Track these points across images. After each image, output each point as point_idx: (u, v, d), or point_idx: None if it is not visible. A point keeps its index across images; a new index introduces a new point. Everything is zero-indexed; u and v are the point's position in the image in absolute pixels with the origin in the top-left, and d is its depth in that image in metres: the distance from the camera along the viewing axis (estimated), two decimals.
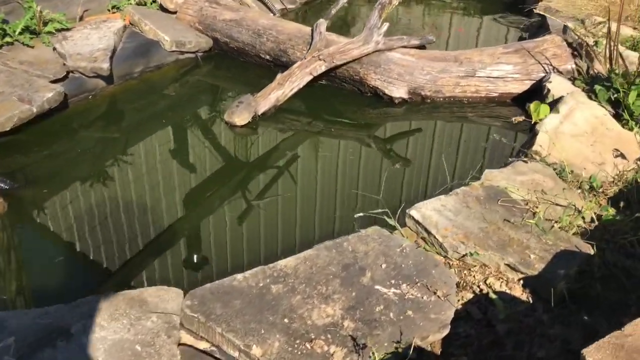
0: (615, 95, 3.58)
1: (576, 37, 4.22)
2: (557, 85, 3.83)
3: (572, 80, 3.97)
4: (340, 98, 4.29)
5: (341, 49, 4.07)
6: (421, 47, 4.59)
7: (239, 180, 3.38)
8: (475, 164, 3.39)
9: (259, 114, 3.83)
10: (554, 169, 2.94)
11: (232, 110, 3.76)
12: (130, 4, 4.84)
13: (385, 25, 4.15)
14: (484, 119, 4.11)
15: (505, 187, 2.71)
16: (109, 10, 4.82)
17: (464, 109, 4.18)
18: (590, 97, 3.67)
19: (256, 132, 3.80)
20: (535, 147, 3.07)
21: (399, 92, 4.14)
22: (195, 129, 3.90)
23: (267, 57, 4.56)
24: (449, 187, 2.79)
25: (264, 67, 4.61)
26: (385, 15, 4.24)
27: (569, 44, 4.25)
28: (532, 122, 3.04)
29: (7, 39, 3.97)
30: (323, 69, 4.08)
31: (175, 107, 4.18)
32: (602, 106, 3.51)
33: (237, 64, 4.77)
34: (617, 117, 3.48)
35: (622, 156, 3.15)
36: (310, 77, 4.05)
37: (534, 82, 4.17)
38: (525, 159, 3.00)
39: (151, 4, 5.00)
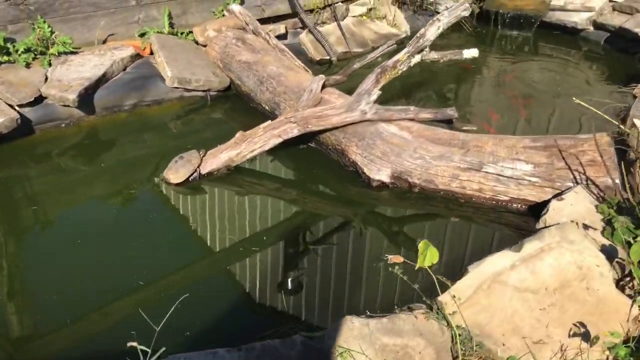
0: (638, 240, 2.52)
1: (633, 143, 3.12)
2: (567, 207, 2.84)
3: (599, 201, 2.91)
4: (324, 166, 3.67)
5: (318, 114, 3.47)
6: (447, 121, 3.79)
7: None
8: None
9: (203, 173, 3.38)
10: (454, 335, 2.08)
11: (170, 165, 3.36)
12: (160, 32, 4.69)
13: (376, 94, 3.45)
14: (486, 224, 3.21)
15: (344, 351, 1.95)
16: (140, 37, 4.72)
17: (464, 209, 3.31)
18: (604, 234, 2.64)
19: (192, 194, 3.35)
20: (442, 297, 2.21)
21: (379, 174, 3.41)
22: (141, 181, 3.54)
23: (266, 107, 4.11)
24: None
25: (267, 117, 4.14)
26: (386, 80, 3.54)
27: (623, 150, 3.16)
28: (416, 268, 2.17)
29: (8, 57, 4.01)
30: (295, 132, 3.51)
31: (149, 148, 3.87)
32: (608, 252, 2.48)
33: (248, 109, 4.38)
34: (623, 272, 2.44)
35: (585, 336, 2.15)
36: (279, 140, 3.50)
37: (557, 192, 3.16)
38: (416, 311, 2.17)
39: (186, 35, 4.81)
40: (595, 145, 3.18)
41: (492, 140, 3.38)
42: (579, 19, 6.30)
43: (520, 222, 3.23)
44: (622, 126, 3.17)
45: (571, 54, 5.90)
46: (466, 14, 3.60)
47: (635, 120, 3.33)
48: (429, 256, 1.98)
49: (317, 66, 5.39)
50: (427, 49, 3.61)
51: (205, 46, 4.75)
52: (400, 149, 3.41)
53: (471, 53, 3.68)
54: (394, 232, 3.16)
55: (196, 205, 3.24)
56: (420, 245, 2.01)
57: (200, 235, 3.03)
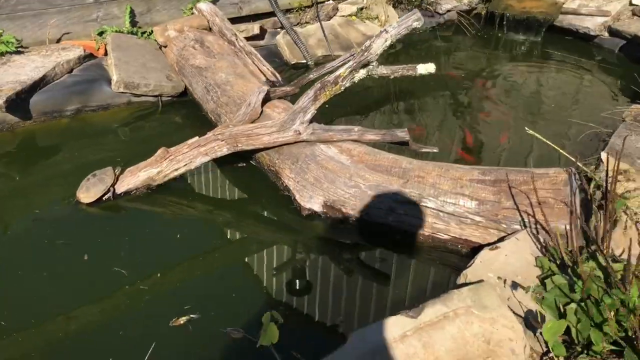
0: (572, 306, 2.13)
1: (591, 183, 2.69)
2: (500, 258, 2.44)
3: (543, 252, 2.51)
4: (262, 188, 3.34)
5: (247, 132, 3.14)
6: (403, 143, 3.41)
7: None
8: None
9: (119, 192, 3.11)
10: None
11: (81, 184, 3.10)
12: (119, 31, 4.44)
13: (311, 113, 3.09)
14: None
15: None
16: (99, 36, 4.48)
17: (401, 248, 2.94)
18: (533, 297, 2.25)
19: (105, 215, 3.08)
20: None
21: (310, 202, 3.07)
22: (56, 200, 3.27)
23: (212, 117, 3.80)
24: None
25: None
26: (327, 97, 3.17)
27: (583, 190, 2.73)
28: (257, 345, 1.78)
29: None
30: (224, 151, 3.19)
31: (81, 158, 3.61)
32: (531, 322, 2.09)
33: (203, 117, 4.07)
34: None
35: None
36: (206, 158, 3.20)
37: (504, 234, 2.76)
38: None
39: (147, 35, 4.54)
40: (549, 183, 2.76)
41: (437, 170, 2.98)
42: (592, 24, 5.75)
43: (463, 265, 2.83)
44: (579, 163, 2.72)
45: (581, 63, 5.37)
46: (418, 25, 3.19)
47: (604, 155, 2.87)
48: (269, 334, 1.63)
49: (293, 70, 5.05)
50: (375, 64, 3.22)
51: (165, 47, 4.46)
52: (335, 175, 3.05)
53: (427, 68, 3.27)
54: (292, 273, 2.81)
55: (105, 229, 2.96)
56: (264, 318, 1.67)
57: (103, 264, 2.73)
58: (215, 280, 2.71)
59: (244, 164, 3.45)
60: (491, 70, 5.25)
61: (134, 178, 3.13)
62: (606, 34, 5.78)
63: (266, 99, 3.49)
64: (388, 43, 3.14)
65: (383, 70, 3.23)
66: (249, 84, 3.76)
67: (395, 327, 2.02)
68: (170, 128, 4.06)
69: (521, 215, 2.71)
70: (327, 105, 3.33)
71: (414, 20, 3.15)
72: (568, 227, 2.62)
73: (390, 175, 3.00)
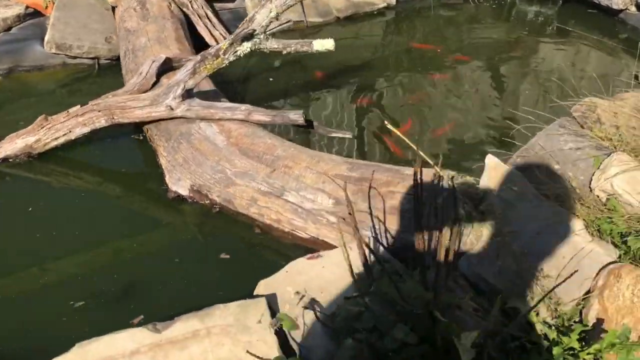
0: None
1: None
2: (313, 270, 2.17)
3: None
4: (154, 163, 3.16)
5: (121, 104, 2.96)
6: (309, 125, 3.12)
7: None
8: None
9: None
10: None
11: None
12: None
13: (189, 86, 2.85)
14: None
15: None
16: None
17: (266, 243, 2.68)
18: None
19: None
20: None
21: (177, 184, 2.87)
22: None
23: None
24: None
25: None
26: (209, 71, 2.91)
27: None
28: None
29: None
30: (103, 123, 3.04)
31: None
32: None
33: None
34: None
35: None
36: (86, 129, 3.06)
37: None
38: None
39: None
40: (410, 187, 2.38)
41: (308, 160, 2.67)
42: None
43: None
44: (437, 167, 2.30)
45: (595, 42, 4.66)
46: None
47: (488, 160, 2.43)
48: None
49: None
50: (263, 36, 2.90)
51: (115, 7, 4.32)
52: (204, 157, 2.81)
53: (324, 44, 2.89)
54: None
55: None
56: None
57: None
58: (79, 257, 2.56)
59: (140, 136, 3.27)
60: (480, 45, 4.70)
61: (12, 145, 3.05)
62: (633, 8, 5.01)
63: (169, 69, 3.27)
64: (273, 14, 2.81)
65: (273, 44, 2.90)
66: (166, 50, 3.54)
67: (129, 341, 1.81)
68: (105, 92, 3.94)
69: (372, 220, 2.37)
70: None
71: None
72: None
73: (260, 163, 2.72)
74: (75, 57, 4.00)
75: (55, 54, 3.94)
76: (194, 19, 4.40)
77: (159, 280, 2.41)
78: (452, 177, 2.26)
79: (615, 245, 2.26)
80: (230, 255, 2.55)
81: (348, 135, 3.21)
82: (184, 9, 4.39)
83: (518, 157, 2.73)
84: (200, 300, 2.07)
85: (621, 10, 5.04)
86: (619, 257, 2.21)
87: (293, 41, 2.92)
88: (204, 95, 3.10)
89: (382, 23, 5.06)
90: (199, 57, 2.90)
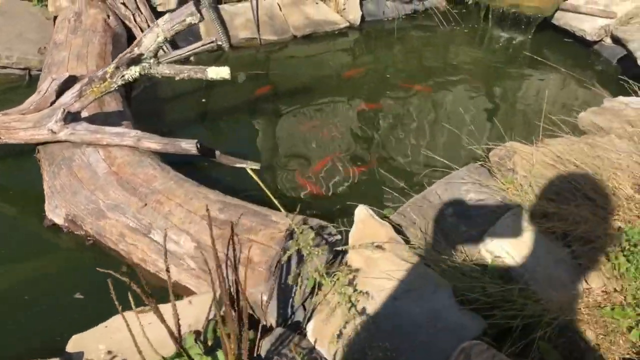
0: None
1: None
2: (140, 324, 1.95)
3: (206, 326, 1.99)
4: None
5: (6, 124, 2.82)
6: (211, 153, 2.95)
7: None
8: None
9: None
10: None
11: None
12: None
13: (63, 110, 2.69)
14: None
15: None
16: None
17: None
18: None
19: None
20: None
21: (54, 212, 2.71)
22: None
23: None
24: None
25: None
26: (97, 95, 2.75)
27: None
28: None
29: None
30: None
31: None
32: None
33: None
34: None
35: None
36: None
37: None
38: None
39: (38, 1, 4.32)
40: (268, 237, 2.18)
41: (183, 196, 2.49)
42: (590, 27, 4.71)
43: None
44: (290, 217, 2.08)
45: (567, 73, 4.38)
46: (193, 20, 2.63)
47: (359, 211, 2.20)
48: None
49: (207, 52, 4.58)
50: (153, 61, 2.72)
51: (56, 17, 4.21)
52: (81, 185, 2.65)
53: (219, 72, 2.70)
54: None
55: None
56: None
57: None
58: None
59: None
60: (437, 71, 4.46)
61: None
62: (609, 40, 4.71)
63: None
64: (160, 39, 2.63)
65: (164, 69, 2.72)
66: (82, 67, 3.40)
67: None
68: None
69: (226, 270, 2.16)
70: None
71: (188, 15, 2.62)
72: (264, 296, 2.06)
73: (134, 196, 2.55)
74: (5, 67, 3.87)
75: None
76: (136, 32, 4.26)
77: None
78: (302, 231, 2.04)
79: (486, 317, 2.02)
80: (85, 296, 2.36)
81: (255, 167, 3.01)
82: (126, 22, 4.25)
83: (409, 206, 2.50)
84: (5, 351, 1.90)
85: (596, 42, 4.75)
86: (484, 331, 1.97)
87: (187, 67, 2.74)
88: (103, 117, 2.94)
89: (340, 44, 4.85)
90: (86, 79, 2.74)
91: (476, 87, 4.23)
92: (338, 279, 1.99)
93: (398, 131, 3.59)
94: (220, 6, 4.76)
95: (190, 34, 4.62)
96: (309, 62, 4.55)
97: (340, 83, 4.18)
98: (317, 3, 5.04)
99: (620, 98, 3.35)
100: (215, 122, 3.70)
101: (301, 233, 1.99)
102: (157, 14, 4.54)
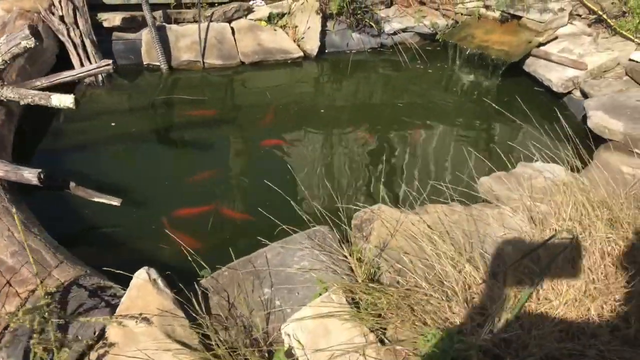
0: None
1: None
2: None
3: None
4: None
5: None
6: (66, 185, 2.77)
7: None
8: None
9: None
10: None
11: None
12: None
13: None
14: None
15: None
16: None
17: None
18: None
19: None
20: None
21: None
22: None
23: None
24: None
25: None
26: None
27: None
28: None
29: None
30: None
31: None
32: None
33: None
34: None
35: None
36: None
37: None
38: None
39: None
40: None
41: None
42: (556, 78, 4.33)
43: None
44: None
45: (516, 128, 4.02)
46: (29, 44, 2.45)
47: (138, 276, 1.94)
48: None
49: (147, 72, 4.45)
50: None
51: None
52: None
53: (62, 101, 2.50)
54: None
55: None
56: None
57: None
58: None
59: None
60: (380, 116, 4.15)
61: None
62: (578, 94, 4.31)
63: None
64: None
65: (9, 93, 2.55)
66: None
67: None
68: None
69: None
70: None
71: (22, 38, 2.44)
72: None
73: None
74: None
75: None
76: (68, 46, 4.15)
77: None
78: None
79: None
80: None
81: (115, 203, 2.79)
82: (59, 36, 4.15)
83: (228, 269, 2.22)
84: None
85: (565, 94, 4.34)
86: None
87: (32, 92, 2.57)
88: None
89: (288, 75, 4.61)
90: None
91: (411, 133, 3.90)
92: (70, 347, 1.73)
93: (282, 174, 3.30)
94: (168, 26, 4.61)
95: (132, 52, 4.50)
96: (245, 91, 4.33)
97: (263, 117, 3.93)
98: (275, 30, 4.82)
99: (538, 164, 2.97)
100: (113, 148, 3.52)
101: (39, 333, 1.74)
102: (103, 30, 4.44)
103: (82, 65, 4.12)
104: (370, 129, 3.88)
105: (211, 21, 4.72)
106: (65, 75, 3.16)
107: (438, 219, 2.52)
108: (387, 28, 5.02)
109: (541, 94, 4.52)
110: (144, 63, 4.44)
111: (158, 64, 4.40)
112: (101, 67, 3.18)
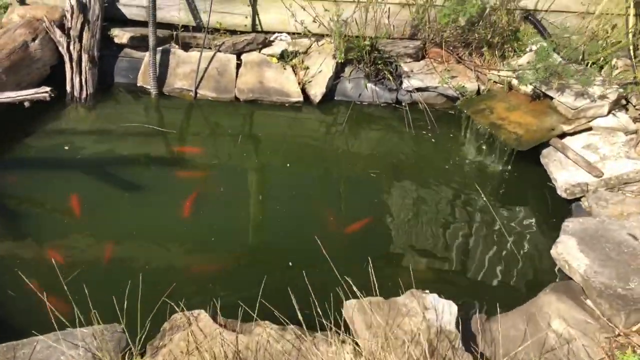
0: None
1: None
2: None
3: None
4: None
5: None
6: None
7: None
8: None
9: None
10: None
11: None
12: None
13: None
14: None
15: None
16: None
17: None
18: None
19: None
20: None
21: None
22: None
23: None
24: None
25: None
26: None
27: None
28: None
29: None
30: None
31: None
32: None
33: None
34: None
35: None
36: None
37: None
38: None
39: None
40: None
41: None
42: (562, 180, 3.76)
43: None
44: None
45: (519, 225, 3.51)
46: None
47: None
48: None
49: (136, 94, 4.47)
50: None
51: None
52: None
53: None
54: None
55: None
56: None
57: None
58: None
59: None
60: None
61: None
62: (587, 203, 3.63)
63: None
64: None
65: None
66: None
67: None
68: None
69: None
70: None
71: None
72: None
73: None
74: None
75: None
76: (65, 59, 4.27)
77: None
78: None
79: None
80: None
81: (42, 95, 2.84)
82: (59, 47, 4.28)
83: None
84: None
85: (572, 201, 3.67)
86: None
87: None
88: None
89: (279, 118, 4.39)
90: None
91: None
92: None
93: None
94: (173, 50, 4.58)
95: (132, 71, 4.53)
96: (217, 129, 4.18)
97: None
98: (284, 68, 4.60)
99: (430, 297, 2.49)
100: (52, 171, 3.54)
101: None
102: (114, 45, 4.52)
103: (72, 79, 4.21)
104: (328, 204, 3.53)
105: (219, 51, 4.60)
106: (3, 97, 3.22)
107: (257, 344, 2.18)
108: (405, 84, 4.57)
109: (553, 192, 3.85)
110: (137, 84, 4.44)
111: (149, 87, 4.37)
112: (38, 93, 3.20)
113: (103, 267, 2.87)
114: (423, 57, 4.82)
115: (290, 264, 2.99)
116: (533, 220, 3.60)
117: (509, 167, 4.03)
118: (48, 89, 3.21)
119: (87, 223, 3.15)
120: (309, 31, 4.66)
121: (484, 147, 4.16)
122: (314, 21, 4.59)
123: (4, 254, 2.90)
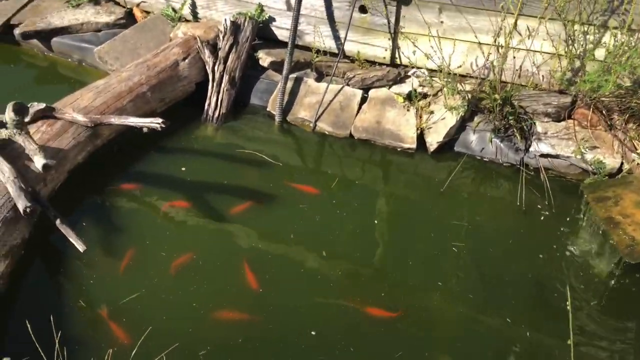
0: None
1: None
2: None
3: None
4: None
5: None
6: None
7: None
8: None
9: None
10: None
11: None
12: (167, 15, 5.25)
13: None
14: None
15: None
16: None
17: None
18: None
19: None
20: None
21: None
22: None
23: None
24: None
25: None
26: None
27: None
28: None
29: None
30: None
31: None
32: None
33: None
34: None
35: None
36: None
37: None
38: None
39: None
40: None
41: None
42: None
43: None
44: None
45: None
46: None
47: None
48: None
49: (264, 118, 4.76)
50: (15, 130, 3.28)
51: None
52: None
53: (39, 163, 3.06)
54: None
55: None
56: None
57: None
58: None
59: None
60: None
61: None
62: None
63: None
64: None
65: (19, 139, 3.28)
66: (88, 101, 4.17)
67: None
68: None
69: None
70: None
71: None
72: None
73: None
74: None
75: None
76: (210, 78, 4.72)
77: None
78: None
79: None
80: None
81: (80, 248, 3.37)
82: (207, 67, 4.75)
83: None
84: None
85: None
86: None
87: (32, 146, 3.23)
88: None
89: (387, 164, 4.34)
90: None
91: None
92: None
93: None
94: (305, 79, 4.76)
95: (267, 94, 4.83)
96: (329, 168, 4.29)
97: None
98: (408, 110, 4.51)
99: None
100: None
101: None
102: (258, 65, 4.86)
103: (210, 98, 4.67)
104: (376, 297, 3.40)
105: (347, 84, 4.66)
106: (112, 120, 3.79)
107: None
108: (533, 148, 4.15)
109: None
110: (267, 109, 4.72)
111: (274, 113, 4.64)
112: (153, 123, 3.66)
113: None
114: (566, 118, 4.28)
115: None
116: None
117: (619, 271, 3.47)
118: (160, 120, 3.63)
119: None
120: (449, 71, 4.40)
121: (597, 244, 3.61)
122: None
123: None
